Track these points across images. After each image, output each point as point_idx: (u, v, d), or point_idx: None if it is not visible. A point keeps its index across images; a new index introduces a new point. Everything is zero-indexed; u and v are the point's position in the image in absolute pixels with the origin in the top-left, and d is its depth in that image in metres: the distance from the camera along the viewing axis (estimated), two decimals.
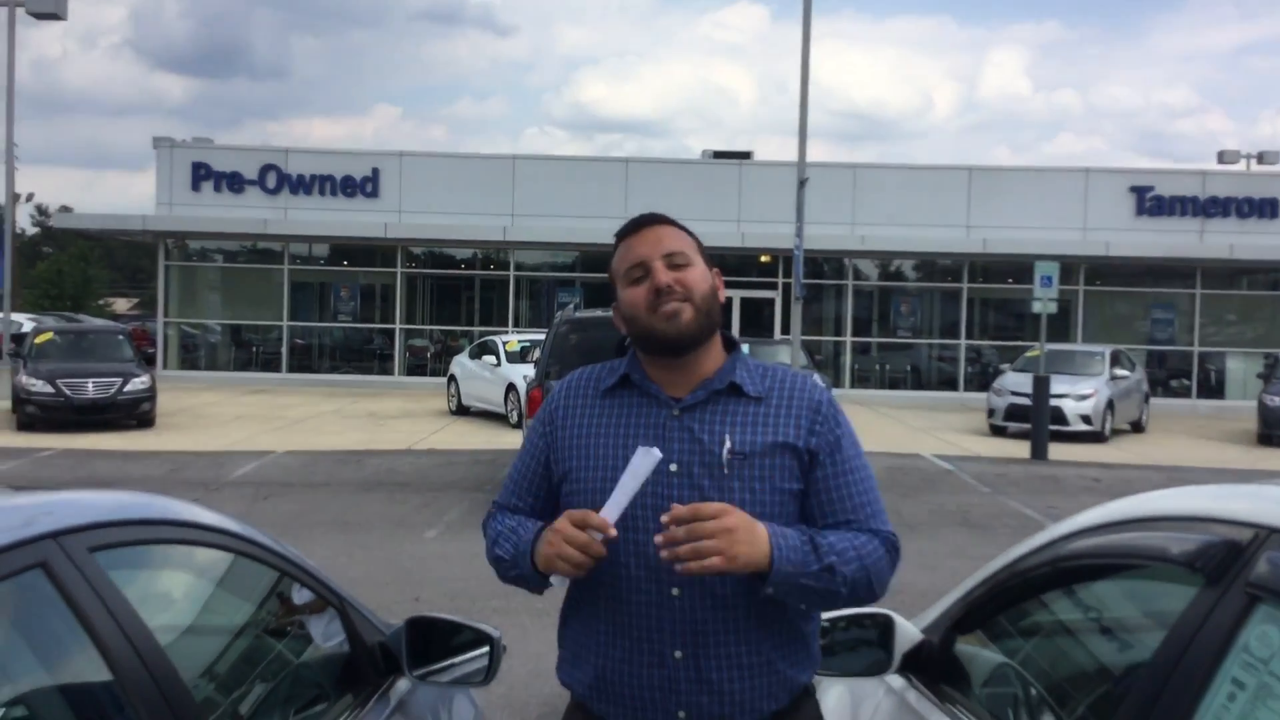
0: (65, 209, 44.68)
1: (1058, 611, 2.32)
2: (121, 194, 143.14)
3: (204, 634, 2.19)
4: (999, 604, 2.41)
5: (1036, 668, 2.30)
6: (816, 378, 2.26)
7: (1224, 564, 1.59)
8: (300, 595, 2.51)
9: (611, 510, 1.93)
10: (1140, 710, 1.61)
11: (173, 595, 2.12)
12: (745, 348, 2.22)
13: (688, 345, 2.07)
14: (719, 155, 28.76)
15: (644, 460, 1.92)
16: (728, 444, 2.03)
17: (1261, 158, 29.96)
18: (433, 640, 2.66)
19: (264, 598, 2.43)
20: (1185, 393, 26.91)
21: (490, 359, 19.81)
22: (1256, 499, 1.70)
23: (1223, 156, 29.85)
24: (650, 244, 2.10)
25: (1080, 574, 2.18)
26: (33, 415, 17.15)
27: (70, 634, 1.59)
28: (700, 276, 2.10)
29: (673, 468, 2.02)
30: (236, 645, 2.31)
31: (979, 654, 2.50)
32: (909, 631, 2.57)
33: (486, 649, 2.63)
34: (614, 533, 1.92)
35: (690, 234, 2.16)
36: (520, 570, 2.08)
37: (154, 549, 2.01)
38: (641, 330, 2.09)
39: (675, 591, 1.99)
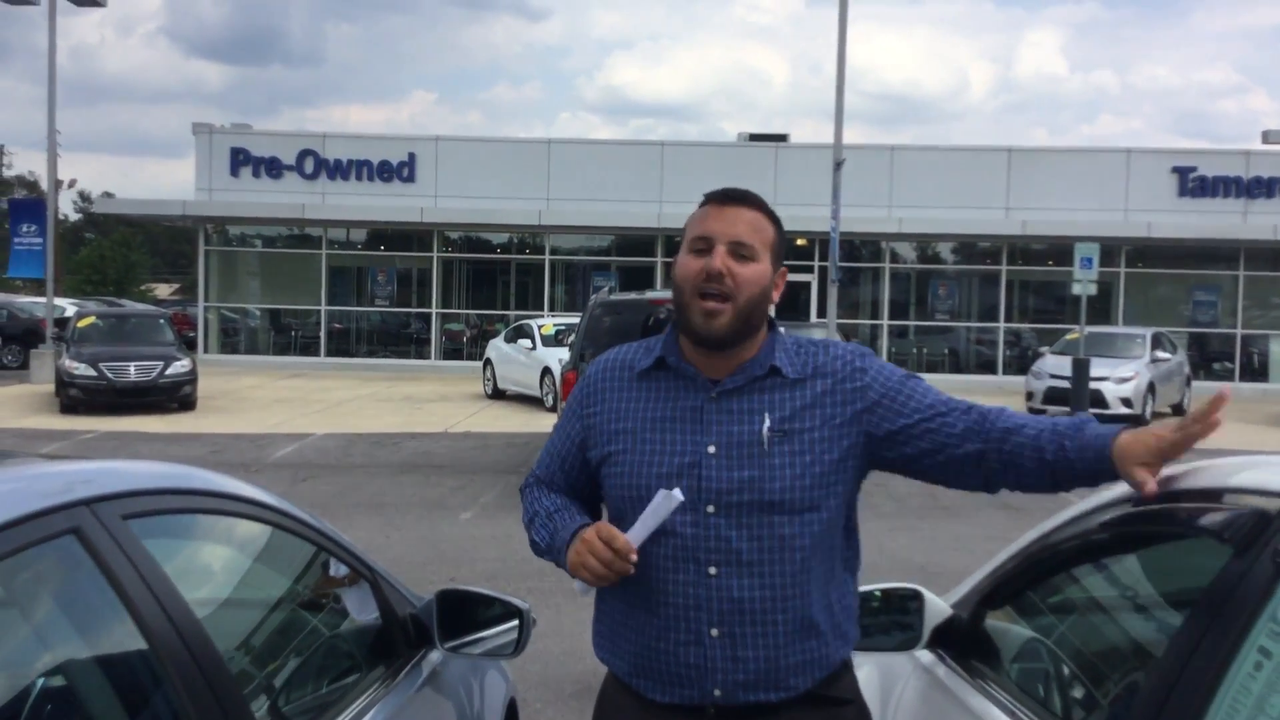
0: (107, 195, 45.18)
1: (1087, 585, 2.31)
2: (162, 180, 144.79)
3: (238, 603, 2.22)
4: (1028, 579, 2.40)
5: (1065, 641, 2.29)
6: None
7: (1252, 534, 1.58)
8: (333, 568, 2.53)
9: (635, 534, 1.96)
10: (1166, 681, 1.60)
11: (207, 564, 2.15)
12: (780, 329, 2.20)
13: (714, 346, 2.05)
14: (755, 138, 28.61)
15: (664, 503, 1.93)
16: (767, 422, 2.02)
17: None
18: (463, 613, 2.68)
19: (297, 569, 2.46)
20: (1228, 375, 26.54)
21: (526, 343, 19.88)
22: None
23: (1267, 136, 29.27)
24: (726, 223, 2.04)
25: (1109, 547, 2.16)
26: (75, 398, 17.39)
27: (104, 600, 1.62)
28: (756, 276, 2.04)
29: (711, 450, 2.02)
30: (270, 615, 2.34)
31: (1009, 629, 2.49)
32: (938, 607, 2.57)
33: (516, 622, 2.65)
34: (635, 558, 1.95)
35: (774, 225, 2.10)
36: (554, 559, 2.12)
37: (188, 518, 2.03)
38: (680, 305, 2.07)
39: (712, 570, 1.99)
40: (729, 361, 2.08)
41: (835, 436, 2.04)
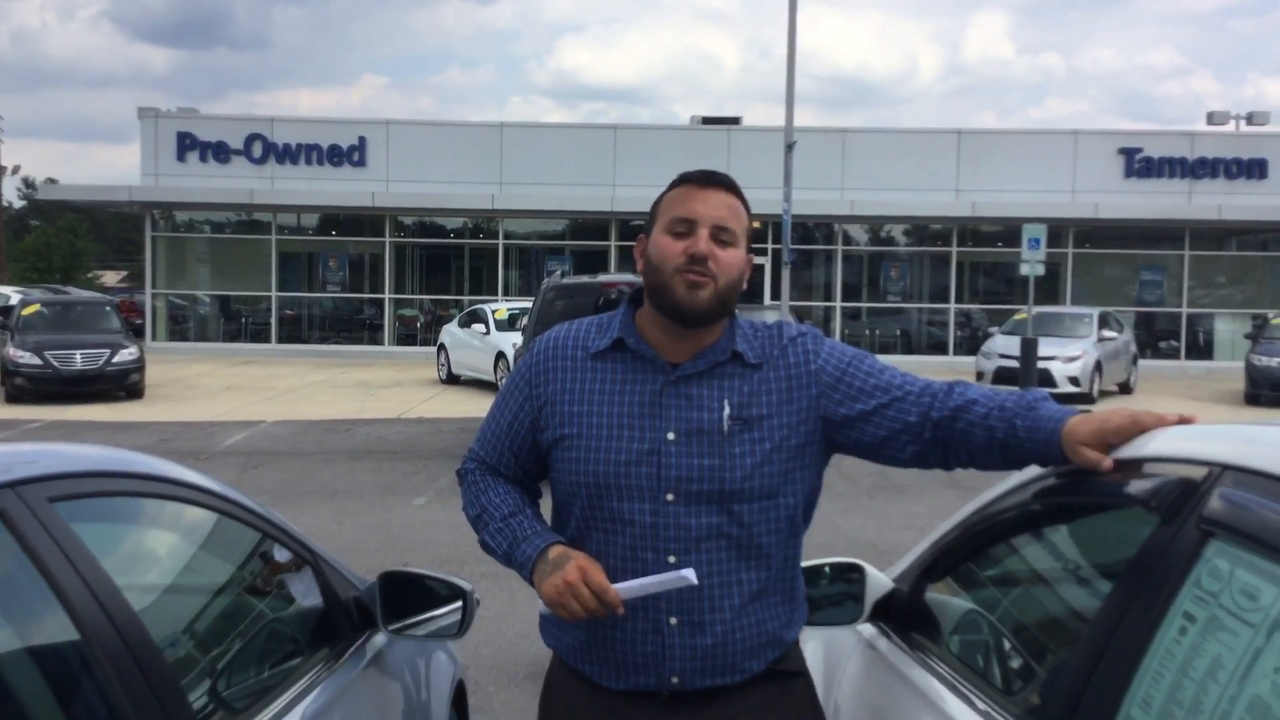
0: (51, 181, 44.34)
1: (1023, 556, 2.34)
2: (108, 166, 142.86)
3: (174, 588, 2.19)
4: (966, 551, 2.43)
5: (1002, 612, 2.31)
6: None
7: (1178, 501, 1.60)
8: (272, 550, 2.51)
9: (628, 590, 1.91)
10: (1096, 648, 1.63)
11: (141, 548, 2.12)
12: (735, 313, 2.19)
13: (697, 321, 2.01)
14: (707, 121, 28.64)
15: (677, 581, 1.89)
16: (727, 410, 2.00)
17: (1251, 118, 29.85)
18: (408, 595, 2.67)
19: (236, 554, 2.43)
20: (1174, 354, 27.00)
21: (480, 327, 19.82)
22: (1212, 438, 1.71)
23: (1212, 118, 29.76)
24: (709, 206, 2.01)
25: (1044, 517, 2.19)
26: (21, 387, 17.15)
27: (30, 585, 1.59)
28: (736, 261, 2.03)
29: (670, 436, 1.99)
30: (208, 600, 2.31)
31: (949, 601, 2.51)
32: (880, 580, 2.58)
33: (460, 603, 2.64)
34: (622, 612, 1.92)
35: (747, 212, 2.09)
36: (511, 568, 2.06)
37: (121, 501, 1.99)
38: (659, 284, 2.01)
39: (671, 559, 1.97)
40: (690, 344, 2.05)
41: (795, 423, 2.02)
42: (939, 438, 2.00)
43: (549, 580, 1.92)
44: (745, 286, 2.10)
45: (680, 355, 2.04)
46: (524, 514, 2.09)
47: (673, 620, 1.98)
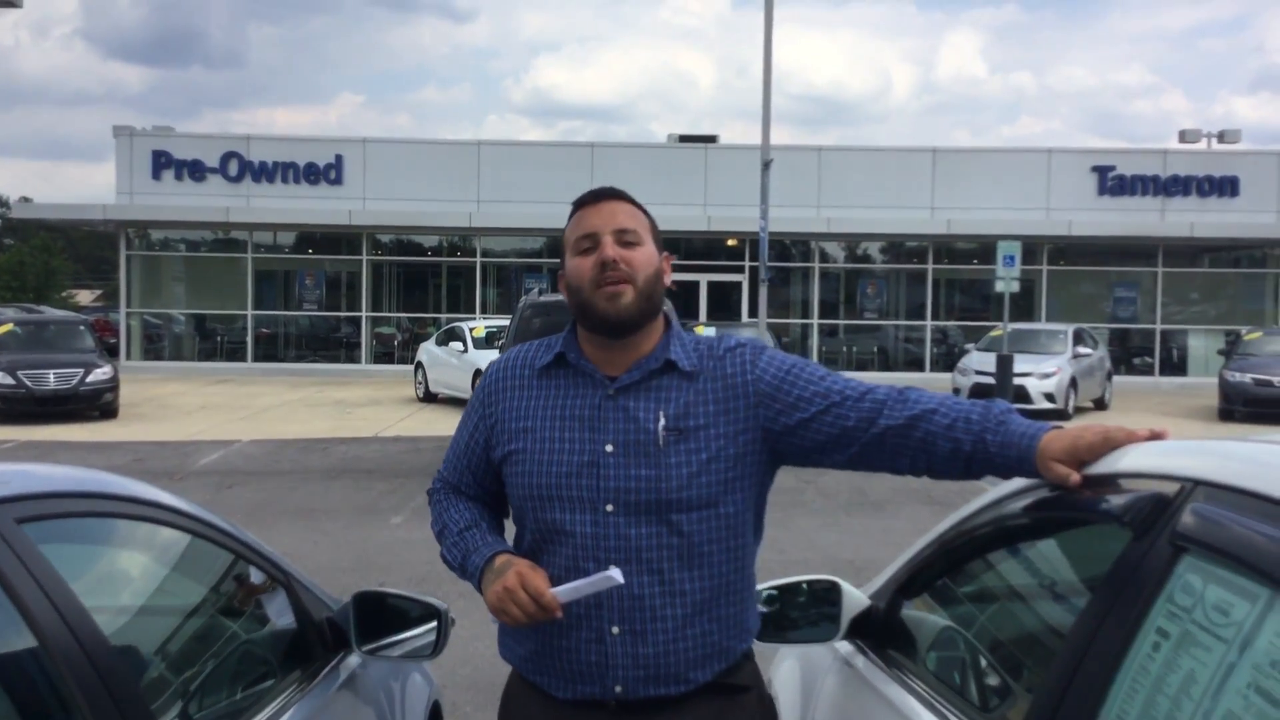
0: (25, 200, 44.07)
1: (998, 571, 2.34)
2: (83, 185, 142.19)
3: (146, 610, 2.17)
4: (941, 567, 2.43)
5: (978, 628, 2.32)
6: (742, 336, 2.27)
7: (1151, 517, 1.60)
8: (246, 571, 2.49)
9: (564, 593, 1.93)
10: (1069, 665, 1.63)
11: (109, 570, 2.10)
12: (711, 330, 2.21)
13: (626, 328, 2.05)
14: (684, 139, 28.73)
15: (604, 581, 1.91)
16: (662, 421, 2.03)
17: (1222, 136, 30.18)
18: (382, 615, 2.65)
19: (208, 575, 2.41)
20: (1148, 370, 27.19)
21: (457, 345, 19.78)
22: (1184, 454, 1.71)
23: (1184, 136, 30.04)
24: (604, 217, 2.07)
25: (1019, 533, 2.19)
26: None
27: None
28: (648, 258, 2.07)
29: (608, 448, 2.02)
30: (179, 622, 2.28)
31: (925, 618, 2.51)
32: (856, 598, 2.58)
33: (435, 623, 2.63)
34: (560, 615, 1.94)
35: (646, 214, 2.14)
36: (466, 579, 2.12)
37: (88, 522, 1.98)
38: (582, 303, 2.07)
39: (614, 570, 1.98)
40: (626, 357, 2.09)
41: (733, 433, 2.05)
42: (890, 443, 2.02)
43: (491, 587, 1.97)
44: (668, 283, 2.13)
45: (618, 369, 2.09)
46: (478, 527, 2.14)
47: (615, 629, 2.01)
